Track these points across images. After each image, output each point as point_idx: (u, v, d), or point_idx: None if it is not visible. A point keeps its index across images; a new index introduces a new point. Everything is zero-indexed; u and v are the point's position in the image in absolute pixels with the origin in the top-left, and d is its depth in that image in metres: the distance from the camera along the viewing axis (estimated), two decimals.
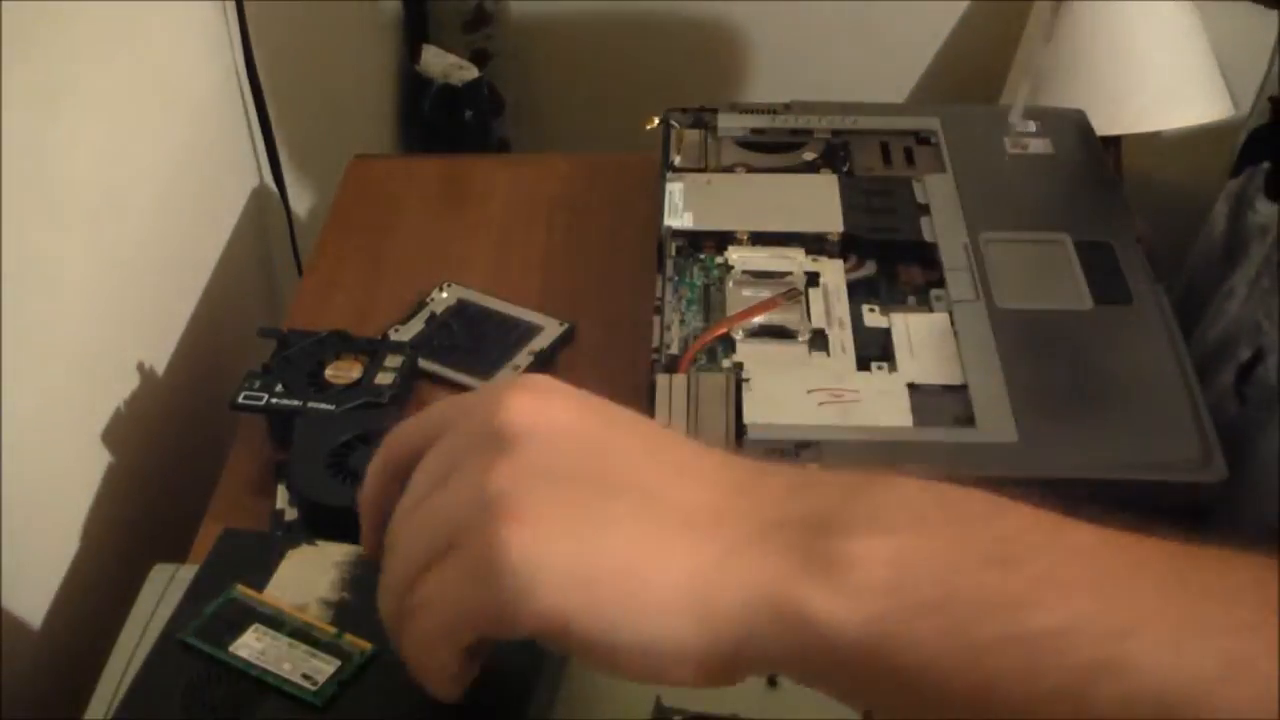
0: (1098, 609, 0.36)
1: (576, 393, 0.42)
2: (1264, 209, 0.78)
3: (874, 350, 0.74)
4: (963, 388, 0.70)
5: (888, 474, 0.40)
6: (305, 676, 0.48)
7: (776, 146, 0.91)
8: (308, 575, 0.53)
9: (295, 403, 0.72)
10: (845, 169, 0.88)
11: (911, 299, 0.78)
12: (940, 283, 0.78)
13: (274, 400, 0.73)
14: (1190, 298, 0.85)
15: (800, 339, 0.75)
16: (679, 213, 0.85)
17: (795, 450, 0.67)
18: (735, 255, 0.82)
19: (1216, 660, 0.36)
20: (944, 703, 0.37)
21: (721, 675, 0.39)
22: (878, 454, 0.67)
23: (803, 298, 0.77)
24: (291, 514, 0.68)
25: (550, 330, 0.82)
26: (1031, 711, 0.36)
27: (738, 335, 0.76)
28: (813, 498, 0.39)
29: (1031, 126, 0.92)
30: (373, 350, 0.76)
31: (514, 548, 0.38)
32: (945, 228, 0.82)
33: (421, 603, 0.40)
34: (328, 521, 0.64)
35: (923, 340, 0.74)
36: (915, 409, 0.70)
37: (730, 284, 0.80)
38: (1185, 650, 0.36)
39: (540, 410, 0.40)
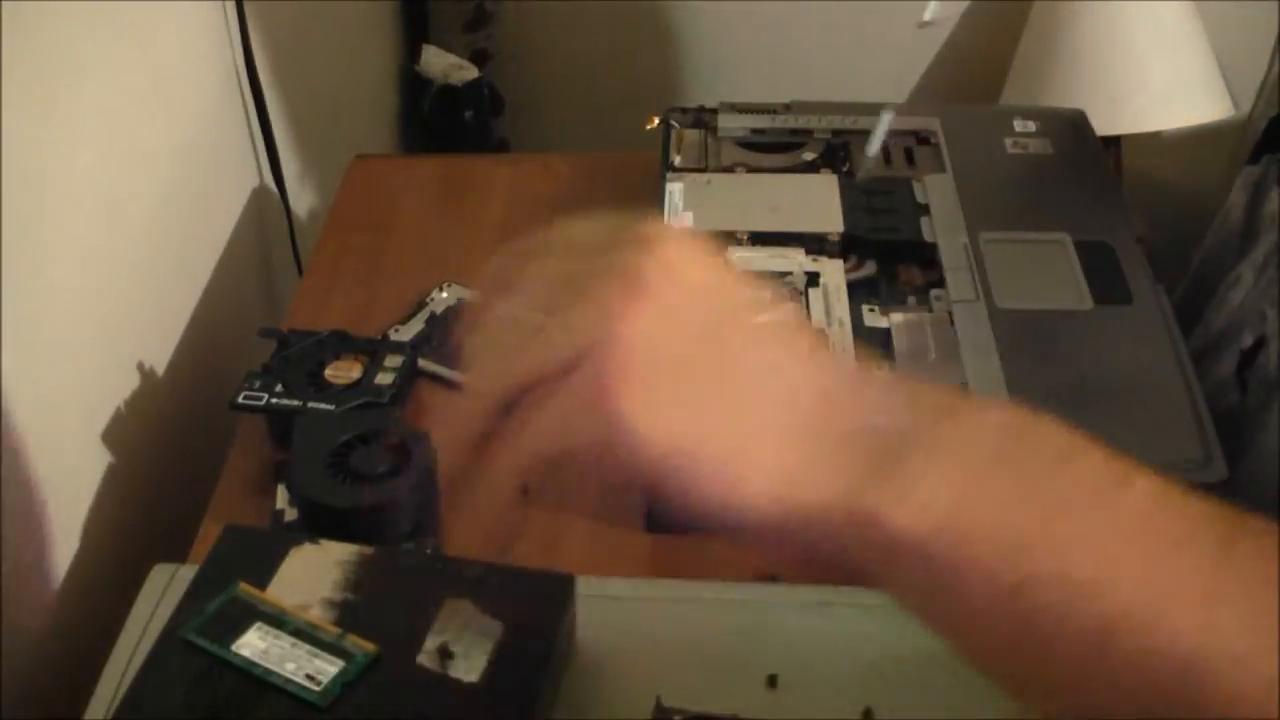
0: (1139, 570, 0.39)
1: (705, 268, 0.44)
2: (1278, 197, 0.78)
3: (874, 350, 0.74)
4: (963, 388, 0.70)
5: (975, 403, 0.44)
6: (309, 677, 0.48)
7: (776, 146, 0.91)
8: (310, 574, 0.53)
9: (295, 403, 0.72)
10: (845, 169, 0.88)
11: (911, 299, 0.78)
12: (940, 283, 0.78)
13: (274, 400, 0.73)
14: (1200, 286, 0.85)
15: None
16: (679, 213, 0.85)
17: None
18: (735, 255, 0.82)
19: (1247, 636, 0.37)
20: (986, 623, 0.40)
21: (806, 562, 0.42)
22: None
23: (803, 298, 0.77)
24: (291, 514, 0.68)
25: None
26: (1058, 648, 0.39)
27: None
28: (902, 414, 0.42)
29: (1032, 126, 0.92)
30: (373, 350, 0.76)
31: (628, 417, 0.40)
32: (945, 228, 0.82)
33: (529, 422, 0.43)
34: (328, 521, 0.64)
35: (923, 340, 0.74)
36: None
37: None
38: (1217, 622, 0.38)
39: (671, 283, 0.42)
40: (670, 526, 0.68)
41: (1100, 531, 0.39)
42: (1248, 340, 0.75)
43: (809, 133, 0.91)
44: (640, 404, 0.41)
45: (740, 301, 0.44)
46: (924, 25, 0.67)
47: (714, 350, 0.42)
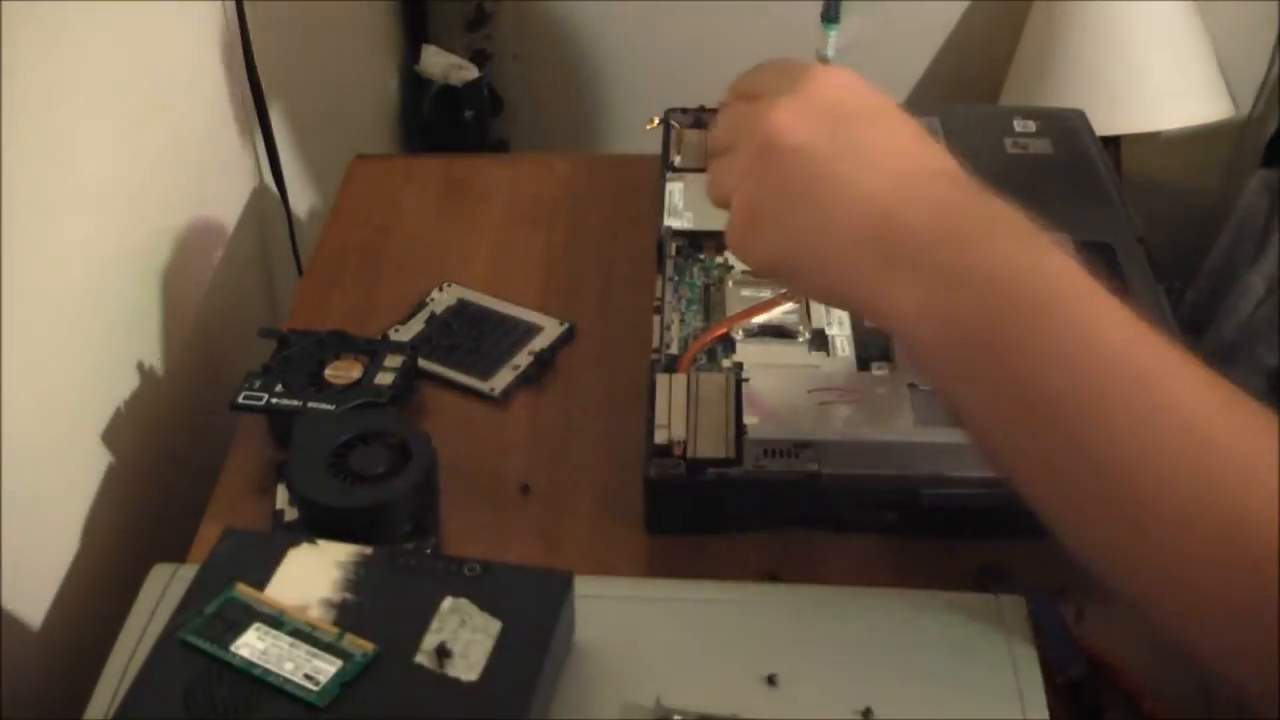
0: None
1: (834, 111, 0.57)
2: None
3: (874, 350, 0.74)
4: None
5: (1041, 264, 0.55)
6: (307, 677, 0.48)
7: None
8: (309, 575, 0.53)
9: (295, 403, 0.72)
10: None
11: None
12: None
13: (274, 400, 0.73)
14: (1213, 289, 0.84)
15: (800, 339, 0.75)
16: (679, 213, 0.85)
17: (795, 450, 0.67)
18: (732, 255, 0.82)
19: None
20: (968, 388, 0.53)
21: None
22: (877, 454, 0.67)
23: (803, 298, 0.77)
24: (291, 514, 0.68)
25: (550, 330, 0.82)
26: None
27: (738, 335, 0.76)
28: (946, 236, 0.54)
29: (1032, 126, 0.92)
30: (373, 350, 0.76)
31: (744, 238, 0.59)
32: None
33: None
34: (328, 521, 0.64)
35: None
36: (915, 409, 0.70)
37: (730, 284, 0.80)
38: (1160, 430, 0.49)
39: (794, 130, 0.57)
40: (670, 527, 0.69)
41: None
42: (1271, 358, 0.75)
43: None
44: (753, 239, 0.58)
45: (849, 144, 0.57)
46: (824, 60, 0.68)
47: (813, 192, 0.56)
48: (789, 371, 0.73)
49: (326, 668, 0.49)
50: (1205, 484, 0.49)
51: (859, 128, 0.57)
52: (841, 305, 0.65)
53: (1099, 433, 0.50)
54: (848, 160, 0.56)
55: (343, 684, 0.48)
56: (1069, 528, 0.53)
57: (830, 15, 0.72)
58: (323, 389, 0.74)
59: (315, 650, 0.49)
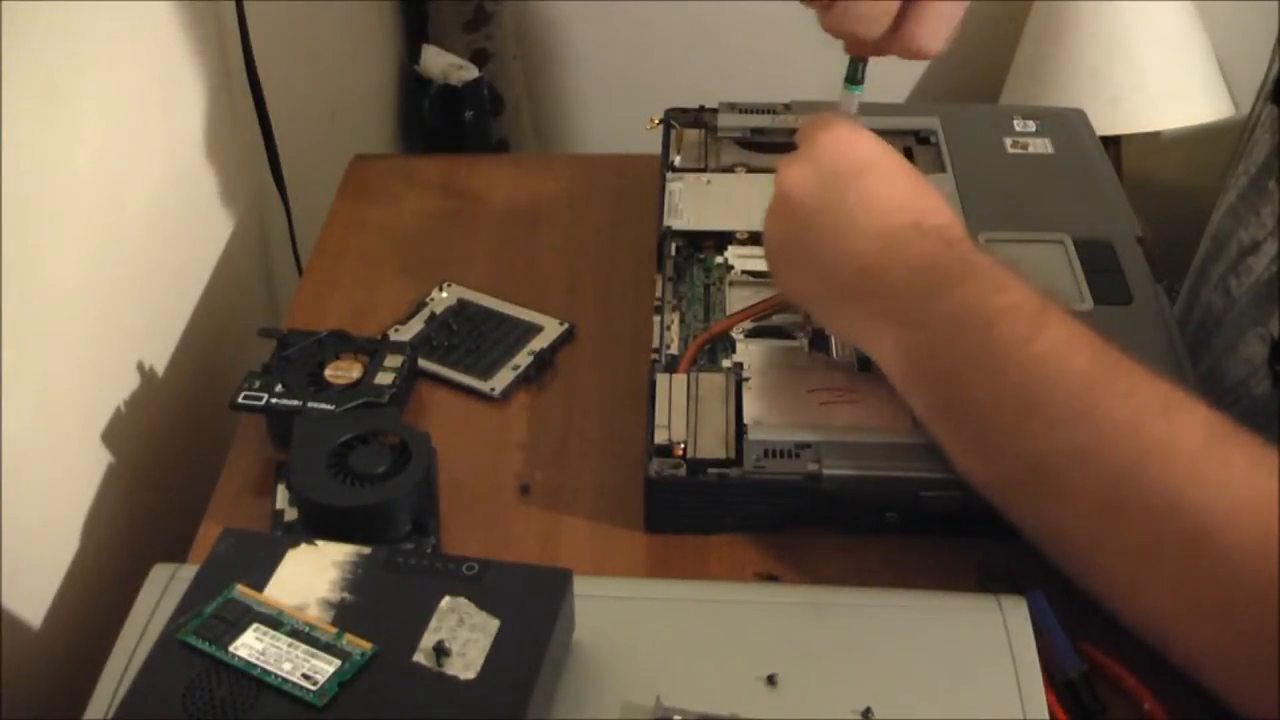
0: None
1: (833, 170, 0.66)
2: None
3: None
4: None
5: (988, 303, 0.61)
6: (305, 676, 0.48)
7: (776, 146, 0.91)
8: (308, 575, 0.53)
9: (295, 403, 0.72)
10: None
11: None
12: None
13: (274, 400, 0.73)
14: (1219, 243, 0.83)
15: (800, 339, 0.75)
16: (679, 213, 0.85)
17: (795, 450, 0.67)
18: (735, 255, 0.82)
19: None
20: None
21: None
22: (878, 454, 0.67)
23: None
24: (291, 514, 0.68)
25: (550, 330, 0.82)
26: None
27: (738, 335, 0.76)
28: (919, 288, 0.62)
29: (1032, 126, 0.92)
30: (373, 350, 0.76)
31: (775, 270, 0.71)
32: None
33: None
34: (328, 521, 0.64)
35: None
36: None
37: (730, 284, 0.80)
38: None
39: (798, 187, 0.67)
40: (670, 527, 0.69)
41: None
42: (1278, 328, 0.74)
43: None
44: (774, 269, 0.71)
45: (839, 205, 0.66)
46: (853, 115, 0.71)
47: (808, 244, 0.67)
48: (789, 371, 0.73)
49: (325, 667, 0.49)
50: (1136, 475, 0.52)
51: (854, 185, 0.66)
52: (843, 338, 0.73)
53: (1030, 436, 0.57)
54: (844, 218, 0.65)
55: (340, 683, 0.48)
56: (1035, 537, 0.59)
57: (854, 77, 0.72)
58: (323, 389, 0.74)
59: (314, 650, 0.49)
